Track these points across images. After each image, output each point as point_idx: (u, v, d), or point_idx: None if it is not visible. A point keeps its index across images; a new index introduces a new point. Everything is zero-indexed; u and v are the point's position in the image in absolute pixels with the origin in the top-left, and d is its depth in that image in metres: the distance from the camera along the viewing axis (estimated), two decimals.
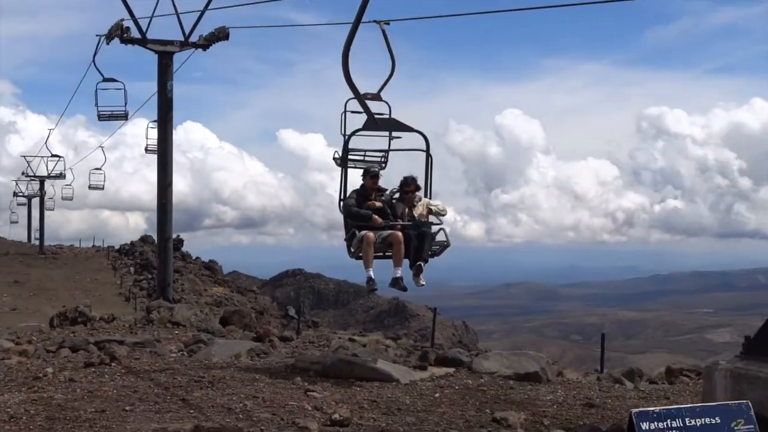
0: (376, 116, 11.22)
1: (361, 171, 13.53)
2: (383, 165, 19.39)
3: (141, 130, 36.42)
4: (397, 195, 13.01)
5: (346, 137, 11.54)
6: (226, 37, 30.01)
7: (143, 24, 29.73)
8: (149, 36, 29.95)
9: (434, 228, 12.75)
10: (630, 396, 13.31)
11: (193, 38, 30.27)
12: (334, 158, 18.68)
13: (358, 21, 10.42)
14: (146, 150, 34.99)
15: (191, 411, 10.83)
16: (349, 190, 13.08)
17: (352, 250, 12.14)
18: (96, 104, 33.24)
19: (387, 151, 19.24)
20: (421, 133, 12.02)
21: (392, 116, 19.77)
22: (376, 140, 14.93)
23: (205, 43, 30.29)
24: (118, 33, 29.58)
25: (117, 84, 33.29)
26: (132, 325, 22.72)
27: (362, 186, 12.47)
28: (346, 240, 12.28)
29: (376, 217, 12.11)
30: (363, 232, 11.82)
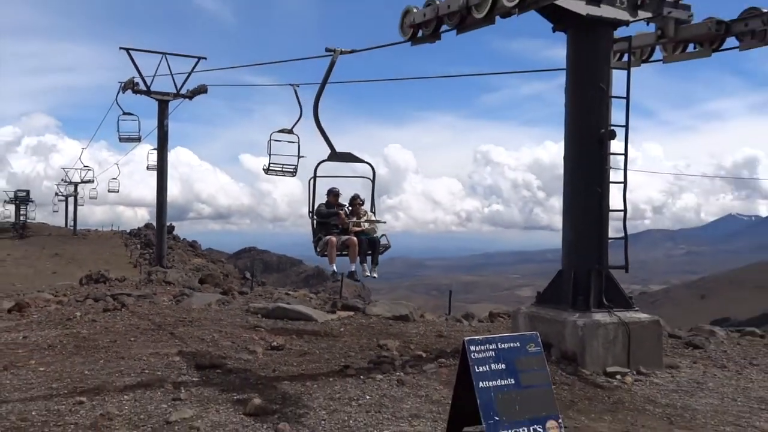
0: (339, 151, 10.38)
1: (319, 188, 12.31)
2: (294, 173, 20.31)
3: (145, 152, 35.51)
4: (349, 208, 12.05)
5: (315, 166, 10.23)
6: (205, 91, 29.95)
7: (148, 80, 29.56)
8: (152, 89, 29.75)
9: (379, 233, 11.66)
10: (466, 330, 13.61)
11: (183, 91, 30.06)
12: (263, 169, 19.80)
13: (324, 81, 9.95)
14: (147, 168, 34.30)
15: (176, 341, 10.68)
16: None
17: (318, 250, 11.05)
18: (118, 130, 32.49)
19: (296, 166, 20.24)
20: (369, 164, 10.93)
21: (295, 146, 20.34)
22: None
23: (191, 94, 30.16)
24: (131, 86, 29.54)
25: (133, 117, 32.53)
26: (137, 283, 22.26)
27: (327, 201, 11.49)
28: (314, 242, 11.12)
29: (341, 212, 11.29)
30: (327, 237, 10.89)
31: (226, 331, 11.56)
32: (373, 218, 11.47)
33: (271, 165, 19.75)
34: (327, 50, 10.16)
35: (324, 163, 9.93)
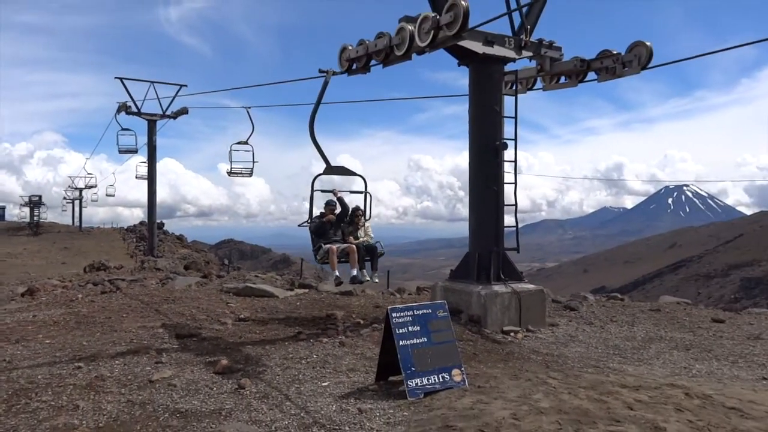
0: (333, 165, 8.99)
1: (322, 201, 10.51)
2: (251, 174, 20.73)
3: (138, 163, 34.52)
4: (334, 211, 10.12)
5: (312, 179, 8.88)
6: (186, 112, 29.40)
7: (139, 104, 28.85)
8: (143, 111, 29.07)
9: (373, 241, 10.29)
10: (398, 301, 13.53)
11: (168, 112, 29.40)
12: (227, 172, 20.48)
13: (319, 100, 8.96)
14: (136, 177, 33.43)
15: (160, 316, 10.43)
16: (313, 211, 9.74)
17: (318, 258, 9.62)
18: (117, 144, 31.32)
19: (252, 168, 20.63)
20: (362, 176, 9.51)
21: (255, 160, 20.40)
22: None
23: (174, 115, 29.52)
24: (124, 109, 28.84)
25: (130, 132, 31.42)
26: (132, 270, 21.57)
27: (322, 213, 9.90)
28: (313, 251, 9.74)
29: (330, 216, 9.84)
30: (328, 246, 9.55)
31: (202, 307, 11.32)
32: (369, 229, 10.32)
33: (232, 169, 20.97)
34: (320, 71, 9.25)
35: (320, 176, 8.75)
